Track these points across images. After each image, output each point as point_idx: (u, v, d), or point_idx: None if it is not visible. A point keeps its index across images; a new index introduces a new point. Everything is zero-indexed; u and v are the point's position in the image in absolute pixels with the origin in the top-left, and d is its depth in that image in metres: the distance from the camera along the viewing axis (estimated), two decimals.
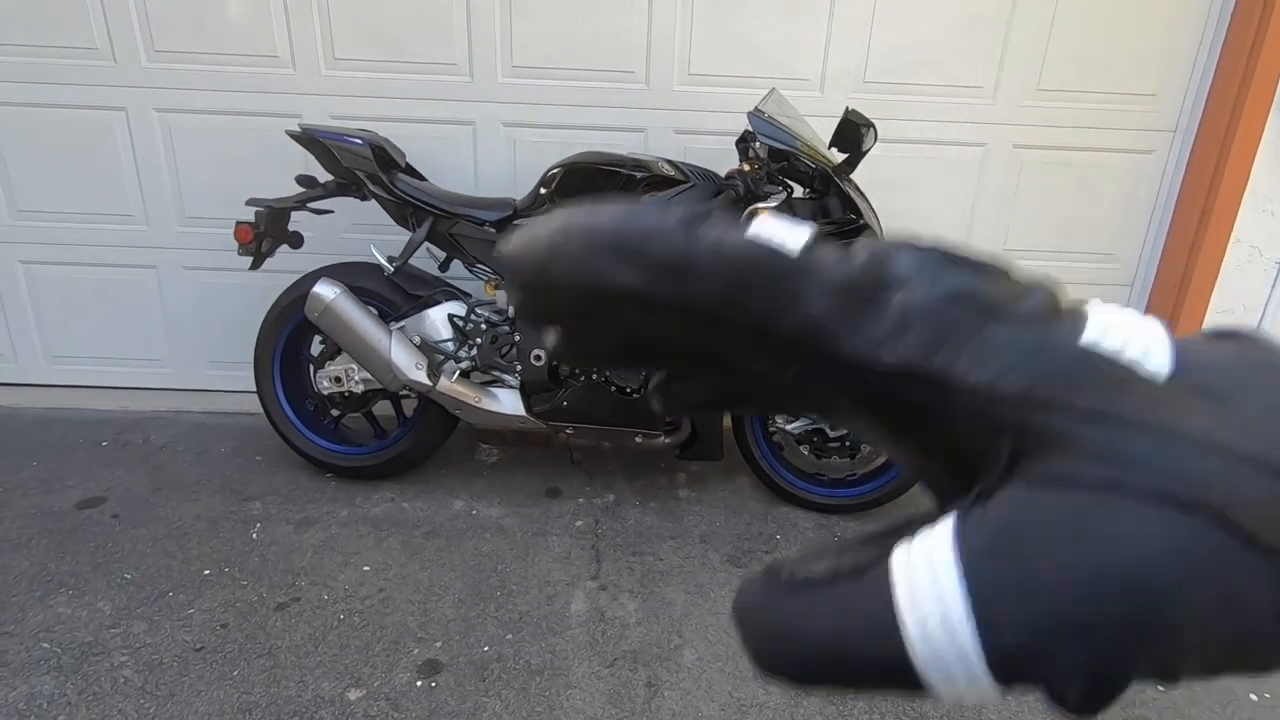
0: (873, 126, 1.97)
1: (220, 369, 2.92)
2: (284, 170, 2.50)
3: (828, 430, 2.20)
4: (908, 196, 2.76)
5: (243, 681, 1.59)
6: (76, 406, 2.81)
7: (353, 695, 1.57)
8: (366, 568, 1.98)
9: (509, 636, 1.76)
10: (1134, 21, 2.61)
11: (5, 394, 2.87)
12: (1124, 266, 2.91)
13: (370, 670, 1.64)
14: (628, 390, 2.16)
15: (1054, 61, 2.64)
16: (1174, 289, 2.81)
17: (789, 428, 2.25)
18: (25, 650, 1.65)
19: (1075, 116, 2.70)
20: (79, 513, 2.17)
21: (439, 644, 1.73)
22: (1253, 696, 1.70)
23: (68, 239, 2.76)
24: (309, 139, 2.21)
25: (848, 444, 2.25)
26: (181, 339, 2.90)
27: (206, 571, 1.94)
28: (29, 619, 1.74)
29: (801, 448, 2.29)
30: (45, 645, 1.66)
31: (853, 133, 1.94)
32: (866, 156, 2.07)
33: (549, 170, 2.16)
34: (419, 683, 1.61)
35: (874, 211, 2.13)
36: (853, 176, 2.11)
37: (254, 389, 2.36)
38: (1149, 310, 2.85)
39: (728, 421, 2.30)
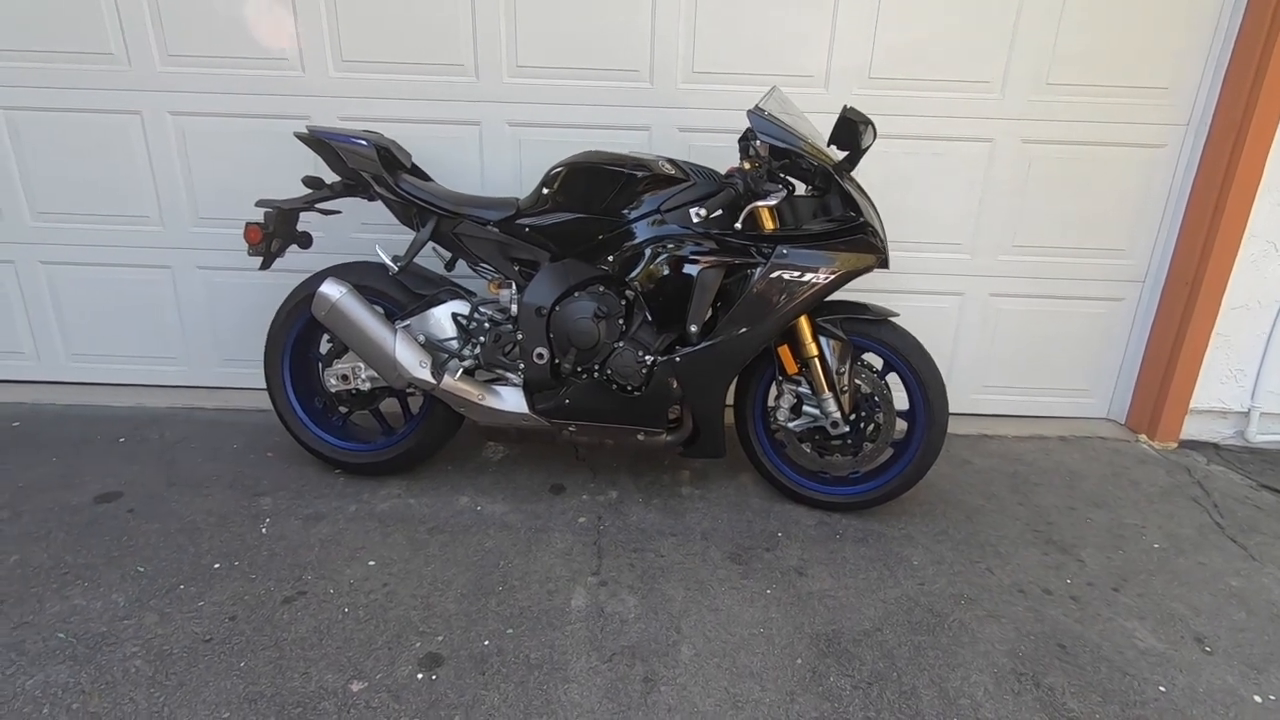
0: (871, 124, 1.95)
1: (233, 367, 2.98)
2: (295, 171, 2.54)
3: (829, 428, 2.20)
4: (914, 193, 2.74)
5: (249, 672, 1.63)
6: (95, 403, 2.88)
7: (355, 687, 1.61)
8: (372, 562, 2.02)
9: (509, 631, 1.79)
10: (1145, 13, 2.57)
11: (27, 391, 2.95)
12: (1136, 262, 2.87)
13: (373, 663, 1.67)
14: (629, 388, 2.18)
15: (1063, 55, 2.61)
16: (1186, 285, 2.77)
17: (791, 425, 2.25)
18: (42, 640, 1.70)
19: (1085, 111, 2.66)
20: (96, 507, 2.23)
21: (440, 638, 1.76)
22: (1256, 699, 1.68)
23: (86, 240, 2.83)
24: (315, 140, 2.24)
25: (850, 442, 2.25)
26: (196, 337, 2.96)
27: (216, 565, 1.99)
28: (46, 610, 1.80)
29: (804, 445, 2.29)
30: (61, 635, 1.72)
31: (851, 130, 1.92)
32: (870, 153, 2.06)
33: (551, 170, 2.18)
34: (420, 675, 1.64)
35: (875, 209, 2.12)
36: (854, 174, 2.10)
37: (265, 386, 2.41)
38: (1162, 305, 2.82)
39: (730, 419, 2.30)
